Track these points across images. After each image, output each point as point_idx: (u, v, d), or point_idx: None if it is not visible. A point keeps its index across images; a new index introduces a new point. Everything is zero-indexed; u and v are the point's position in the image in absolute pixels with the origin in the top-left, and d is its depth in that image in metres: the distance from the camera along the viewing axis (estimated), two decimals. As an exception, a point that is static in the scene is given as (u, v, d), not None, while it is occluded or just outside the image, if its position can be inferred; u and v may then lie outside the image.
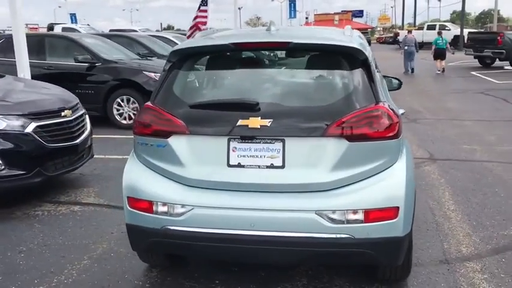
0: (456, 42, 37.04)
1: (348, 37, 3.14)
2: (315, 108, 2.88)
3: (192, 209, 2.87)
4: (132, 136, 3.16)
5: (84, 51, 9.21)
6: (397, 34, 43.43)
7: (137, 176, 3.08)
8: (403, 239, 2.85)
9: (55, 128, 5.00)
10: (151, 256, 3.49)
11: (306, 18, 67.83)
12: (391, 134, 2.82)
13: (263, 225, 2.79)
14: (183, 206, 2.89)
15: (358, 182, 2.80)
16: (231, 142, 2.87)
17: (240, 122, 2.81)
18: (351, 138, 2.77)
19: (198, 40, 3.32)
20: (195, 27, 4.65)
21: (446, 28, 37.24)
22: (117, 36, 12.20)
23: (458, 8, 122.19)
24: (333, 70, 3.04)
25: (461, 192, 5.21)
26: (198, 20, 4.59)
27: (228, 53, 3.17)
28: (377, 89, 2.93)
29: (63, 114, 5.13)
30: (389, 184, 2.82)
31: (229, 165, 2.88)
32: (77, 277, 3.55)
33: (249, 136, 2.83)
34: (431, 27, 38.85)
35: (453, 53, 21.49)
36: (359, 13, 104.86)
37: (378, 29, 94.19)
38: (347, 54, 2.98)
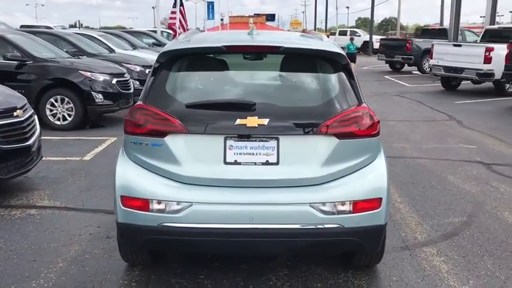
0: (365, 47, 39.38)
1: (328, 43, 3.39)
2: (306, 109, 3.10)
3: (191, 205, 2.97)
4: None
5: (13, 48, 8.74)
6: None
7: (130, 175, 3.11)
8: (384, 227, 3.16)
9: (8, 129, 4.79)
10: (136, 255, 3.51)
11: (221, 20, 68.22)
12: (373, 132, 3.11)
13: (261, 219, 2.96)
14: (180, 203, 2.97)
15: (345, 176, 3.06)
16: (227, 140, 3.01)
17: (239, 121, 2.96)
18: (340, 136, 3.02)
19: (189, 42, 3.41)
20: (171, 29, 4.67)
21: (357, 34, 39.36)
22: (41, 33, 11.64)
23: (363, 15, 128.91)
24: (319, 73, 3.28)
25: (403, 186, 5.70)
26: (169, 21, 4.61)
27: (220, 55, 3.29)
28: (359, 91, 3.21)
29: (15, 114, 4.92)
30: (373, 177, 3.11)
31: (225, 163, 3.01)
32: (56, 280, 3.48)
33: (246, 135, 2.99)
34: (342, 33, 40.81)
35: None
36: (271, 17, 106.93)
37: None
38: (331, 59, 3.23)
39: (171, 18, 4.68)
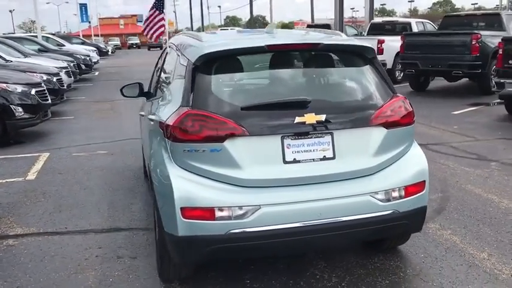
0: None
1: (352, 39, 3.52)
2: (354, 102, 3.20)
3: (259, 208, 2.91)
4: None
5: None
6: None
7: (189, 185, 2.95)
8: (426, 208, 3.38)
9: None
10: (181, 269, 3.34)
11: (89, 22, 65.06)
12: (412, 120, 3.32)
13: (329, 213, 3.00)
14: (248, 207, 2.90)
15: (393, 163, 3.22)
16: (284, 140, 3.00)
17: (298, 120, 2.96)
18: (387, 125, 3.17)
19: (229, 42, 3.31)
20: (154, 33, 4.39)
21: (237, 32, 40.21)
22: None
23: (231, 13, 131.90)
24: (355, 67, 3.38)
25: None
26: (158, 23, 4.34)
27: (261, 55, 3.25)
28: (390, 81, 3.39)
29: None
30: (416, 162, 3.31)
31: (285, 162, 3.00)
32: (96, 309, 3.18)
33: (303, 132, 3.00)
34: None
35: None
36: (139, 18, 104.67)
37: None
38: (363, 53, 3.36)
39: (158, 22, 4.40)
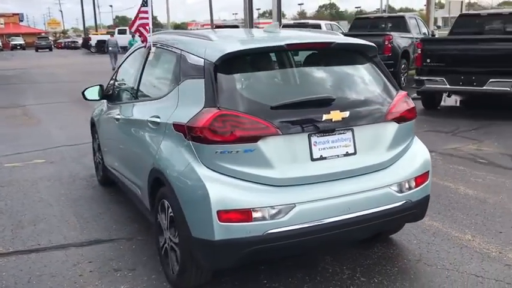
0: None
1: (354, 38, 3.64)
2: (369, 99, 3.31)
3: (294, 206, 2.92)
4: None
5: None
6: (88, 39, 43.07)
7: (224, 187, 2.87)
8: (430, 196, 3.61)
9: None
10: (200, 276, 3.23)
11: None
12: (415, 115, 3.52)
13: (357, 207, 3.09)
14: (284, 206, 2.90)
15: (402, 156, 3.40)
16: (311, 137, 3.04)
17: (325, 117, 3.02)
18: (399, 120, 3.34)
19: (245, 41, 3.24)
20: (138, 31, 4.07)
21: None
22: None
23: (121, 13, 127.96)
24: (363, 65, 3.49)
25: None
26: (139, 21, 4.03)
27: (278, 54, 3.24)
28: (393, 79, 3.57)
29: None
30: (421, 154, 3.51)
31: (312, 159, 3.04)
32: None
33: (329, 129, 3.06)
34: (121, 32, 40.07)
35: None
36: (21, 17, 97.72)
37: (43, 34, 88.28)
38: (367, 51, 3.50)
39: (141, 18, 4.02)
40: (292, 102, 3.02)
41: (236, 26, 24.12)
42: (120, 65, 5.10)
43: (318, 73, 3.33)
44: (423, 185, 3.44)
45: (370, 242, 3.96)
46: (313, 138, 3.04)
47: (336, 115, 3.05)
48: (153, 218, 3.68)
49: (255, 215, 2.85)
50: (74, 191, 5.62)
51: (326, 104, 3.07)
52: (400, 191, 3.28)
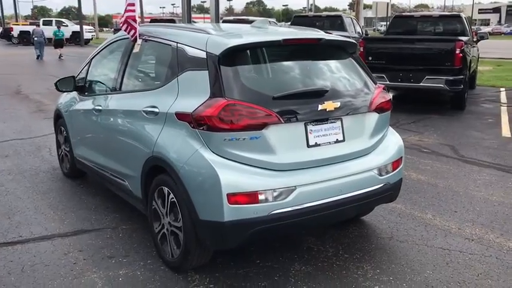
0: (75, 37, 38.56)
1: (335, 35, 3.95)
2: (355, 91, 3.63)
3: (295, 189, 3.18)
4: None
5: None
6: (10, 29, 40.81)
7: (232, 172, 3.07)
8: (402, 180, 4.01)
9: None
10: (201, 257, 3.41)
11: None
12: (391, 106, 3.89)
13: (347, 189, 3.41)
14: (286, 188, 3.15)
15: (381, 143, 3.76)
16: (307, 126, 3.32)
17: (321, 107, 3.31)
18: (379, 111, 3.70)
19: (247, 35, 3.45)
20: (126, 23, 4.02)
21: (64, 24, 37.71)
22: None
23: (39, 3, 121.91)
24: (346, 60, 3.80)
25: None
26: (127, 14, 3.99)
27: (275, 48, 3.47)
28: (370, 72, 3.93)
29: None
30: (396, 141, 3.90)
31: (308, 146, 3.32)
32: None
33: (324, 118, 3.36)
34: (47, 23, 38.34)
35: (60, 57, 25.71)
36: None
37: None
38: (348, 47, 3.83)
39: (128, 11, 3.88)
40: (292, 93, 3.28)
41: (173, 21, 23.91)
42: (93, 57, 5.09)
43: (310, 67, 3.61)
44: (398, 168, 3.83)
45: (345, 224, 4.32)
46: (309, 127, 3.32)
47: (329, 105, 3.34)
48: (146, 206, 3.80)
49: (260, 197, 3.09)
50: (40, 184, 5.53)
51: (321, 95, 3.36)
52: (381, 174, 3.64)
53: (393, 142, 3.88)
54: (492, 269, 3.58)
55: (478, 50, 12.90)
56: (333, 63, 3.75)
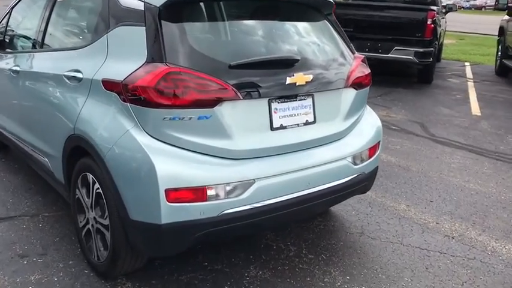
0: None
1: None
2: (330, 61, 2.97)
3: (253, 182, 2.53)
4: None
5: None
6: None
7: (174, 161, 2.38)
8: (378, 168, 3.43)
9: None
10: (134, 262, 2.74)
11: None
12: (370, 81, 3.26)
13: (316, 181, 2.79)
14: (242, 182, 2.50)
15: (355, 126, 3.14)
16: (272, 103, 2.65)
17: (289, 80, 2.63)
18: (357, 86, 3.07)
19: None
20: None
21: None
22: None
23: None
24: (320, 22, 3.12)
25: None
26: None
27: (233, 3, 2.73)
28: (348, 40, 3.27)
29: None
30: (373, 122, 3.29)
31: (272, 129, 2.66)
32: None
33: (292, 95, 2.69)
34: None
35: None
36: None
37: None
38: (325, 9, 3.14)
39: None
40: (254, 61, 2.58)
41: None
42: (12, 8, 4.20)
43: (277, 29, 2.91)
44: (375, 156, 3.24)
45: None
46: (274, 105, 2.65)
47: (300, 78, 2.67)
48: (69, 194, 3.07)
49: (209, 192, 2.42)
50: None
51: (290, 65, 2.68)
52: (355, 163, 3.04)
53: (370, 124, 3.27)
54: (478, 276, 3.08)
55: (446, 22, 12.47)
56: (304, 26, 3.07)
